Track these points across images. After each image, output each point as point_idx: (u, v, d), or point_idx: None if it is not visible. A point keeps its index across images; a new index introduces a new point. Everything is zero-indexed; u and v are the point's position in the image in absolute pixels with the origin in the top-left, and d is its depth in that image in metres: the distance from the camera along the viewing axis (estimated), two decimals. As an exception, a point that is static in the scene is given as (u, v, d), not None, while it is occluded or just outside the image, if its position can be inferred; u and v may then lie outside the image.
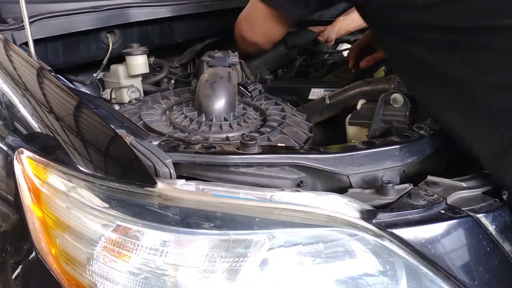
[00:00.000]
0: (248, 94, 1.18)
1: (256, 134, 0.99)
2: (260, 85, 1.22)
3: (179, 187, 0.70)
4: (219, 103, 1.06)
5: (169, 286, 0.64)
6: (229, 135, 1.00)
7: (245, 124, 1.05)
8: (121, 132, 0.78)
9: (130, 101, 1.26)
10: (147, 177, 0.69)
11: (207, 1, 1.57)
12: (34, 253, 0.75)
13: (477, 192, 0.78)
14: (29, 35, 1.01)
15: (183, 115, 1.08)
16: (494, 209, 0.74)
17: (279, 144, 0.97)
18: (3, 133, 0.86)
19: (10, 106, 0.89)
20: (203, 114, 1.06)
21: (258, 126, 1.07)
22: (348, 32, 1.78)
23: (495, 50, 0.74)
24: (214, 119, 1.04)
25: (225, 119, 1.05)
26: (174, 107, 1.15)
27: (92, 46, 1.39)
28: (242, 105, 1.14)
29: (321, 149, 0.83)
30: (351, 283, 0.67)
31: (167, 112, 1.13)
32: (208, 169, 0.79)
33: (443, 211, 0.73)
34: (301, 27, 1.72)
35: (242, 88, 1.19)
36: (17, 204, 0.78)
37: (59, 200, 0.72)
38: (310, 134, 1.05)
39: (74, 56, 1.37)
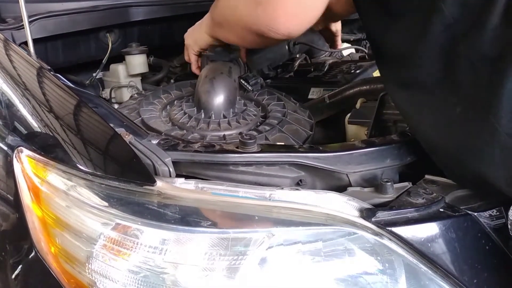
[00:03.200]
0: (249, 88, 1.17)
1: (254, 133, 0.99)
2: (262, 79, 1.20)
3: (179, 186, 0.70)
4: (218, 100, 1.05)
5: (168, 285, 0.64)
6: (227, 133, 0.99)
7: (244, 122, 1.04)
8: (120, 130, 0.78)
9: (131, 96, 1.26)
10: (147, 176, 0.69)
11: (207, 1, 1.57)
12: (33, 252, 0.75)
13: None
14: (28, 35, 1.01)
15: (182, 111, 1.07)
16: (493, 207, 0.75)
17: (278, 143, 0.97)
18: (3, 133, 0.86)
19: (9, 105, 0.89)
20: (202, 110, 1.04)
21: (258, 123, 1.06)
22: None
23: None
24: (213, 116, 1.03)
25: (224, 116, 1.04)
26: (175, 102, 1.14)
27: (91, 45, 1.39)
28: (243, 101, 1.13)
29: (321, 148, 0.83)
30: (350, 281, 0.67)
31: (168, 107, 1.13)
32: (207, 168, 0.79)
33: (441, 210, 0.73)
34: None
35: (243, 82, 1.17)
36: (16, 203, 0.78)
37: (58, 199, 0.72)
38: (310, 133, 1.04)
39: (73, 56, 1.37)
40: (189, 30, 1.23)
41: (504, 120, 0.64)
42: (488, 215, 0.74)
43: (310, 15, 0.87)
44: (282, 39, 0.91)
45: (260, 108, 1.12)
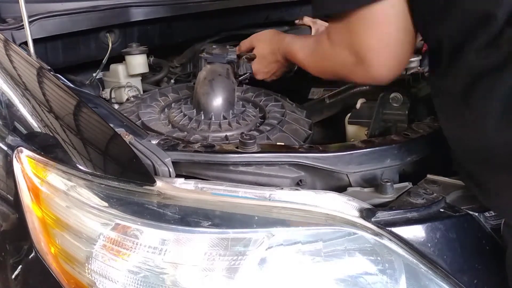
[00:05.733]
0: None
1: (255, 133, 0.99)
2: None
3: (178, 186, 0.70)
4: (218, 101, 1.06)
5: (168, 285, 0.64)
6: (228, 134, 1.00)
7: (244, 122, 1.04)
8: (120, 131, 0.78)
9: (128, 99, 1.26)
10: (146, 176, 0.69)
11: (207, 1, 1.57)
12: (33, 253, 0.75)
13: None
14: (28, 35, 1.01)
15: (182, 113, 1.07)
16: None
17: (278, 143, 0.97)
18: (3, 133, 0.86)
19: (9, 105, 0.89)
20: (202, 112, 1.05)
21: (258, 124, 1.06)
22: None
23: None
24: (213, 117, 1.04)
25: (224, 118, 1.04)
26: (173, 105, 1.14)
27: (91, 45, 1.39)
28: (241, 102, 1.13)
29: (321, 148, 0.83)
30: (350, 281, 0.67)
31: (165, 110, 1.13)
32: (207, 168, 0.79)
33: (442, 210, 0.73)
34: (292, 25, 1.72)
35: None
36: (16, 204, 0.78)
37: (58, 199, 0.72)
38: (310, 132, 1.05)
39: (73, 56, 1.37)
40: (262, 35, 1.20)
41: None
42: (489, 215, 0.74)
43: (405, 63, 0.84)
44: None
45: (258, 109, 1.12)
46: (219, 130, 1.01)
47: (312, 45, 0.99)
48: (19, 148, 0.79)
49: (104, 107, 0.87)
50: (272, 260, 0.65)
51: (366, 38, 0.79)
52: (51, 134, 0.80)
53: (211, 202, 0.68)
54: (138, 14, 1.42)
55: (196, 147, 0.79)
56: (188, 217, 0.66)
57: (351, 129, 1.13)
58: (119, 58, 1.43)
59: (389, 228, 0.68)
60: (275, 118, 1.06)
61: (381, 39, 0.79)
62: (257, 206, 0.69)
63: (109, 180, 0.70)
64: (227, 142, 0.96)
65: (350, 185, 0.81)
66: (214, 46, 1.23)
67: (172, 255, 0.64)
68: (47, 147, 0.79)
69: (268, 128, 1.01)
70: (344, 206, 0.71)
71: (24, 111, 0.86)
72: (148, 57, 1.45)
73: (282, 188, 0.71)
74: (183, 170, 0.79)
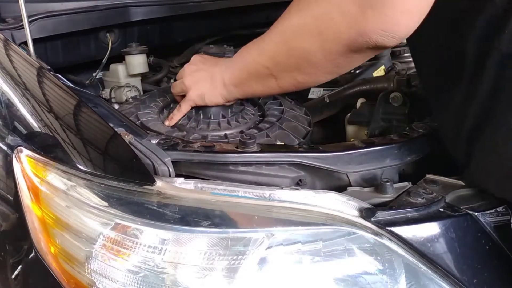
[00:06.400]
0: None
1: (254, 131, 0.99)
2: None
3: (178, 186, 0.70)
4: None
5: (168, 284, 0.64)
6: (228, 132, 0.99)
7: (243, 121, 1.04)
8: (120, 130, 0.78)
9: (126, 100, 1.26)
10: (146, 176, 0.69)
11: (207, 1, 1.57)
12: (33, 252, 0.75)
13: (475, 190, 0.78)
14: (28, 35, 1.01)
15: None
16: (493, 207, 0.75)
17: (278, 142, 0.97)
18: (3, 132, 0.86)
19: (9, 105, 0.89)
20: (200, 111, 1.05)
21: (257, 122, 1.06)
22: None
23: None
24: (212, 116, 1.04)
25: (223, 116, 1.04)
26: (171, 105, 1.14)
27: (91, 45, 1.39)
28: (239, 101, 1.13)
29: (320, 148, 0.83)
30: (350, 281, 0.67)
31: (164, 110, 1.13)
32: (207, 168, 0.79)
33: (441, 209, 0.73)
34: None
35: None
36: (16, 203, 0.78)
37: (58, 199, 0.72)
38: (309, 128, 1.05)
39: (73, 56, 1.37)
40: (193, 80, 1.01)
41: None
42: (494, 211, 0.74)
43: (427, 5, 0.67)
44: (391, 46, 0.72)
45: (256, 107, 1.12)
46: (218, 129, 1.01)
47: (275, 26, 0.80)
48: (18, 148, 0.79)
49: (103, 107, 0.88)
50: (272, 259, 0.65)
51: None
52: (50, 134, 0.80)
53: (211, 202, 0.68)
54: (138, 14, 1.42)
55: (196, 147, 0.79)
56: (188, 217, 0.66)
57: (351, 129, 1.13)
58: (119, 58, 1.43)
59: (389, 228, 0.68)
60: (274, 116, 1.06)
61: None
62: (257, 206, 0.69)
63: (109, 180, 0.70)
64: (227, 140, 0.96)
65: (350, 185, 0.81)
66: (211, 46, 1.23)
67: (172, 255, 0.64)
68: (47, 147, 0.79)
69: (267, 125, 1.01)
70: (344, 205, 0.71)
71: (24, 111, 0.86)
72: (148, 57, 1.45)
73: (282, 188, 0.71)
74: (182, 170, 0.79)
